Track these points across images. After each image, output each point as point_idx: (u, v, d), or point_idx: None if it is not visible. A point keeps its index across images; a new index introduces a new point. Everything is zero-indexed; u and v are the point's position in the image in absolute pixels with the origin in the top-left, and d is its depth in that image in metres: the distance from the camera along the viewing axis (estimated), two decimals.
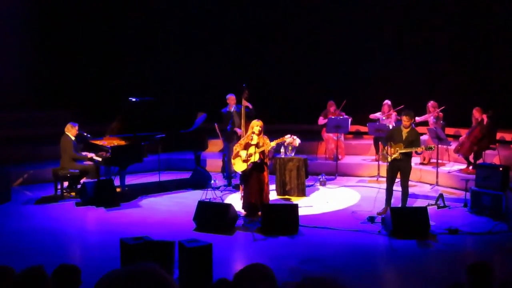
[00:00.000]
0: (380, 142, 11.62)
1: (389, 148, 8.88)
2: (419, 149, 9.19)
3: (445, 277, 6.64)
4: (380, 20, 14.41)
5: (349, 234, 8.29)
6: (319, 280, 2.00)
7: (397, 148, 8.74)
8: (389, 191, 8.94)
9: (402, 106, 12.02)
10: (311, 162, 11.45)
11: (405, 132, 8.81)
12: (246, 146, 8.95)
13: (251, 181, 8.95)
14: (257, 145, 8.90)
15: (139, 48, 15.70)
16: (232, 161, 9.22)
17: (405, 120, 8.83)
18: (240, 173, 9.26)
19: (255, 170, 8.90)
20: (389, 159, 8.85)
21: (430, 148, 9.32)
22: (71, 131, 10.29)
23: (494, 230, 8.34)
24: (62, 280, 3.77)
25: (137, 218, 9.14)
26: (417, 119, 11.77)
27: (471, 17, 13.76)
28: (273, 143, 8.90)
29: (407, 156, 8.87)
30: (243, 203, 9.08)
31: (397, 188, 9.09)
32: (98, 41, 15.52)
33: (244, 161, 8.93)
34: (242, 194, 9.26)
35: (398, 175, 8.95)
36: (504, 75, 13.38)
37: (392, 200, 9.03)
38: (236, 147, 9.12)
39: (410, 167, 9.02)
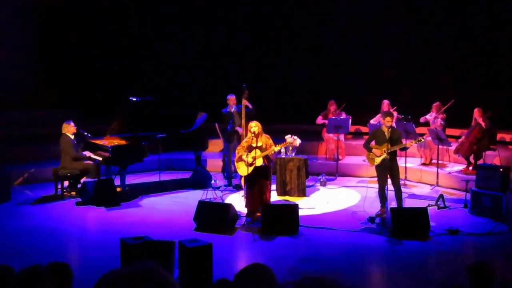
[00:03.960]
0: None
1: (377, 150, 8.84)
2: (408, 144, 9.18)
3: (445, 277, 6.64)
4: (380, 20, 14.40)
5: (349, 234, 8.29)
6: (319, 280, 1.99)
7: (384, 149, 8.73)
8: (383, 192, 8.91)
9: (395, 107, 12.00)
10: (311, 162, 11.45)
11: (388, 132, 8.81)
12: (249, 149, 8.92)
13: (253, 184, 8.93)
14: (260, 148, 8.87)
15: (140, 48, 15.70)
16: (236, 164, 9.19)
17: (389, 121, 8.84)
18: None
19: (257, 174, 8.90)
20: (378, 161, 8.83)
21: (419, 141, 9.36)
22: (68, 129, 10.28)
23: (494, 231, 8.34)
24: (56, 278, 3.76)
25: (138, 218, 9.15)
26: (422, 119, 11.80)
27: (472, 16, 13.76)
28: (277, 148, 8.88)
29: (395, 155, 8.89)
30: (245, 203, 9.08)
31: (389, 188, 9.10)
32: (99, 41, 15.53)
33: (249, 165, 8.88)
34: (244, 194, 9.25)
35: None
36: (505, 75, 13.38)
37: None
38: (239, 150, 9.05)
39: (398, 166, 9.03)
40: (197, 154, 11.70)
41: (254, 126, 8.88)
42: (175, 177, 11.75)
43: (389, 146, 8.69)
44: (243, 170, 9.01)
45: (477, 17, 13.69)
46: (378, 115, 12.39)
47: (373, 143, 8.94)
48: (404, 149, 9.50)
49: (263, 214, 8.45)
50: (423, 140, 9.57)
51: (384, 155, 8.72)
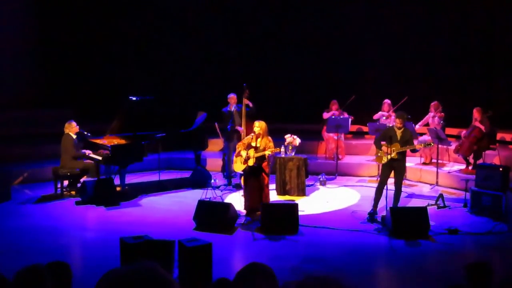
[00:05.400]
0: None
1: (386, 148, 8.86)
2: (417, 147, 9.20)
3: (445, 277, 6.64)
4: (381, 20, 14.40)
5: (349, 234, 8.29)
6: (321, 279, 1.99)
7: (394, 148, 8.74)
8: (380, 192, 8.89)
9: (405, 98, 11.90)
10: (311, 161, 11.45)
11: (399, 132, 8.84)
12: (248, 147, 8.98)
13: (250, 183, 8.99)
14: (256, 148, 8.90)
15: (140, 47, 15.69)
16: (234, 159, 9.28)
17: (398, 122, 8.89)
18: (241, 172, 9.32)
19: (253, 173, 8.93)
20: (385, 160, 8.85)
21: (429, 145, 9.36)
22: (71, 129, 10.28)
23: (494, 231, 8.35)
24: (55, 277, 3.76)
25: (137, 217, 9.15)
26: (417, 128, 11.72)
27: (471, 16, 13.76)
28: (267, 152, 8.87)
29: (403, 156, 8.91)
30: (244, 203, 9.10)
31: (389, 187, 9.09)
32: (99, 40, 15.52)
33: (243, 162, 8.98)
34: (243, 193, 9.28)
35: (391, 175, 8.98)
36: (504, 75, 13.39)
37: (381, 204, 8.92)
38: (239, 146, 9.18)
39: (405, 167, 9.05)
40: (197, 154, 11.71)
41: (257, 126, 8.92)
42: (175, 177, 11.75)
43: (398, 145, 8.72)
44: (238, 166, 9.18)
45: (477, 16, 13.70)
46: (380, 112, 12.38)
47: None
48: (414, 151, 9.48)
49: (262, 214, 8.46)
50: (432, 144, 9.58)
51: (393, 154, 8.73)
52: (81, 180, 10.40)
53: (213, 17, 15.58)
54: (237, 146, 9.30)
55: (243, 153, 8.99)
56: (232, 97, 11.25)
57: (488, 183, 9.12)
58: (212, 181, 10.65)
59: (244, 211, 9.01)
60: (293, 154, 10.62)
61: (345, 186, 11.31)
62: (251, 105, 10.80)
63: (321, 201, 10.21)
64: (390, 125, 11.66)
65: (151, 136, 10.80)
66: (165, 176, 11.61)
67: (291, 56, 15.24)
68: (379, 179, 9.58)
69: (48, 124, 13.25)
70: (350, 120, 12.04)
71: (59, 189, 10.26)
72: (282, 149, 10.45)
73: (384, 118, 12.28)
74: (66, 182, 10.41)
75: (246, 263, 2.56)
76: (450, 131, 12.33)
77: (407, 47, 14.28)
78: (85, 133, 10.66)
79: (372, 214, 8.85)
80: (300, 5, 15.24)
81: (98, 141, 10.61)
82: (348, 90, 12.91)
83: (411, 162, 11.88)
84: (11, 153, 12.04)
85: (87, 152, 10.45)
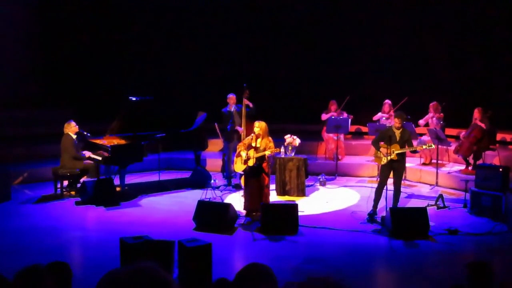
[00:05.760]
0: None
1: (385, 149, 8.85)
2: (418, 148, 9.19)
3: (445, 277, 6.64)
4: (380, 19, 14.41)
5: (348, 234, 8.29)
6: (323, 280, 2.00)
7: (393, 149, 8.72)
8: (380, 193, 8.88)
9: (406, 98, 11.90)
10: (311, 162, 11.44)
11: (398, 132, 8.82)
12: (248, 148, 8.99)
13: (250, 183, 9.00)
14: (256, 149, 8.91)
15: (140, 47, 15.69)
16: (234, 159, 9.28)
17: (397, 122, 8.86)
18: (241, 172, 9.33)
19: (253, 173, 8.93)
20: (384, 161, 8.84)
21: (430, 146, 9.37)
22: (70, 129, 10.29)
23: (494, 231, 8.35)
24: (56, 277, 3.76)
25: (137, 218, 9.15)
26: (421, 122, 11.76)
27: (471, 16, 13.77)
28: (267, 152, 8.87)
29: (403, 156, 8.90)
30: (244, 203, 9.10)
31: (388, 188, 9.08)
32: (99, 40, 15.52)
33: (243, 162, 9.00)
34: (243, 193, 9.28)
35: (390, 175, 8.98)
36: (504, 75, 13.39)
37: (381, 204, 8.95)
38: (240, 146, 9.19)
39: (404, 167, 9.04)
40: (196, 154, 11.71)
41: (257, 126, 8.93)
42: (175, 177, 11.75)
43: (398, 146, 8.71)
44: (238, 166, 9.19)
45: (476, 16, 13.70)
46: (380, 113, 12.38)
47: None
48: (414, 152, 9.48)
49: (262, 214, 8.46)
50: (433, 146, 9.58)
51: (392, 156, 8.71)
52: (81, 180, 10.40)
53: (213, 17, 15.58)
54: (237, 147, 9.31)
55: (243, 154, 9.01)
56: (232, 97, 11.25)
57: (488, 184, 9.12)
58: (212, 181, 10.65)
59: (244, 212, 9.01)
60: (293, 154, 10.62)
61: (344, 186, 11.32)
62: (251, 105, 10.81)
63: (321, 201, 10.21)
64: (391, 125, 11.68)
65: (151, 136, 10.80)
66: (165, 176, 11.62)
67: (291, 56, 15.24)
68: (378, 179, 9.58)
69: (48, 124, 13.24)
70: (349, 120, 12.03)
71: (59, 189, 10.26)
72: (282, 150, 10.43)
73: (384, 118, 12.28)
74: (66, 182, 10.41)
75: (246, 264, 2.56)
76: (450, 131, 12.33)
77: (407, 47, 14.28)
78: (85, 133, 10.67)
79: (372, 215, 8.85)
80: (299, 5, 15.24)
81: (98, 141, 10.61)
82: (348, 90, 12.92)
83: (411, 163, 11.89)
84: (11, 153, 12.04)
85: (87, 154, 10.45)
